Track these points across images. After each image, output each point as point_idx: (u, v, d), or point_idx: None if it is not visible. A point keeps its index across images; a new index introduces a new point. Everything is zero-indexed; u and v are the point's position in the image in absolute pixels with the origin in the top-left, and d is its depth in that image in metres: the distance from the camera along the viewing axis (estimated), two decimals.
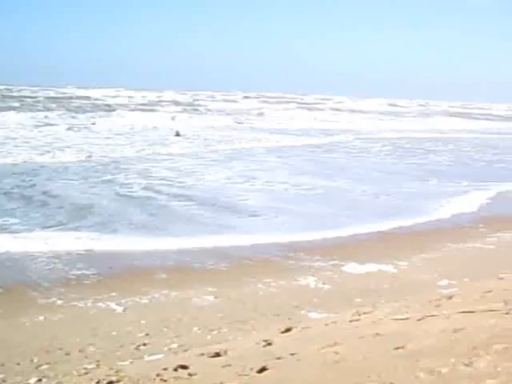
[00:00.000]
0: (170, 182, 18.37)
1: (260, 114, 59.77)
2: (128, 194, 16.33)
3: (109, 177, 18.97)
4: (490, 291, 7.38)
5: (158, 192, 16.67)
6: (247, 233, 12.39)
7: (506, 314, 5.81)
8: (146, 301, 8.62)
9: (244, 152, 27.58)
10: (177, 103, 68.30)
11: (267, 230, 12.87)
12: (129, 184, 17.73)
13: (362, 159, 27.48)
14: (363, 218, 14.15)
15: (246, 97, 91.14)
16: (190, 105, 67.47)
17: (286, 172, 21.75)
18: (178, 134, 33.15)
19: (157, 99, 73.43)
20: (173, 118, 47.06)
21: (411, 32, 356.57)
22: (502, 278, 8.66)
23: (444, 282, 9.38)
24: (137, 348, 6.93)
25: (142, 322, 7.78)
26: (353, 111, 74.89)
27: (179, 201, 15.67)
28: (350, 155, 28.60)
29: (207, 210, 14.75)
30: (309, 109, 73.03)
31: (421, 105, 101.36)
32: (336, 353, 5.00)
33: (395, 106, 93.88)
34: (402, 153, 30.41)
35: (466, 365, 4.55)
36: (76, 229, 12.23)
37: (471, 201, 16.51)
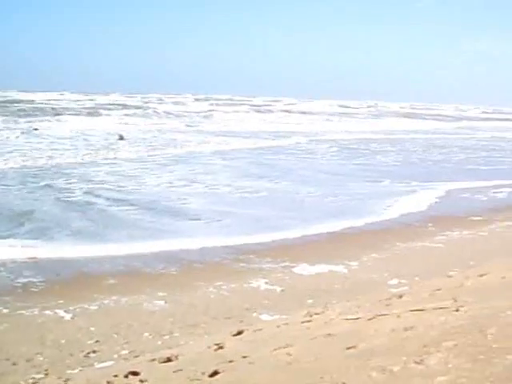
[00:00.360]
0: (111, 187, 18.04)
1: (209, 117, 59.61)
2: (68, 199, 16.03)
3: (49, 182, 18.54)
4: (439, 289, 7.50)
5: (99, 197, 16.36)
6: (190, 236, 12.32)
7: (456, 311, 5.91)
8: (95, 307, 8.50)
9: (189, 155, 27.40)
10: (125, 106, 67.56)
11: (209, 233, 12.82)
12: (69, 189, 17.34)
13: (309, 161, 27.59)
14: (310, 219, 14.23)
15: (196, 99, 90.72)
16: (138, 108, 66.77)
17: (231, 175, 21.63)
18: (121, 138, 32.72)
19: (104, 102, 72.51)
20: (119, 122, 46.49)
21: (359, 33, 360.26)
22: (450, 276, 8.83)
23: (394, 281, 9.50)
24: (86, 355, 6.82)
25: (92, 328, 7.67)
26: (303, 113, 75.28)
27: (119, 205, 15.44)
28: (297, 157, 28.65)
29: (147, 215, 14.57)
30: (259, 111, 73.26)
31: (370, 106, 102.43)
32: (288, 354, 5.01)
33: (345, 107, 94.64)
34: (349, 154, 30.72)
35: (417, 363, 4.61)
36: (16, 236, 11.96)
37: (419, 200, 16.78)
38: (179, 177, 20.49)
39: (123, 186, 18.31)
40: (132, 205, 15.59)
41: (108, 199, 16.19)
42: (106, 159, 24.95)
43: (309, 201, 17.02)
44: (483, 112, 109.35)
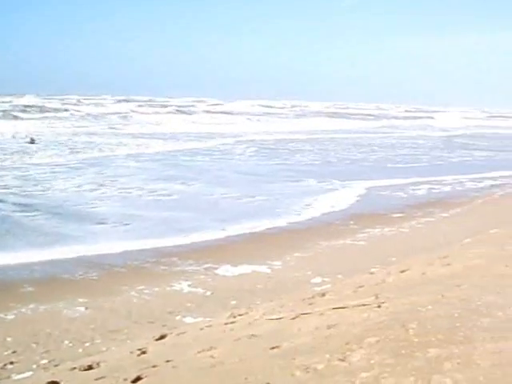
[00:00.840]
0: (16, 192, 17.46)
1: (128, 118, 58.86)
2: None
3: None
4: (361, 286, 7.63)
5: (3, 202, 15.79)
6: (95, 242, 12.03)
7: (378, 307, 6.02)
8: (12, 316, 8.25)
9: (104, 158, 26.81)
10: (42, 108, 65.85)
11: (115, 237, 12.56)
12: None
13: (226, 162, 27.52)
14: (229, 219, 14.18)
15: (116, 101, 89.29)
16: (56, 110, 65.26)
17: (145, 177, 21.24)
18: (32, 142, 31.83)
19: (18, 104, 70.47)
20: (34, 125, 45.27)
21: (284, 34, 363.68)
22: (372, 273, 9.00)
23: (317, 280, 9.61)
24: (3, 367, 6.61)
25: (8, 339, 7.44)
26: (226, 113, 75.22)
27: (24, 211, 14.92)
28: (214, 158, 28.57)
29: (53, 220, 14.13)
30: (181, 112, 72.77)
31: (294, 106, 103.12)
32: (212, 357, 4.99)
33: (269, 107, 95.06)
34: (268, 154, 30.94)
35: (340, 360, 4.66)
36: None
37: (340, 198, 17.07)
38: (90, 180, 19.93)
39: (29, 191, 17.69)
40: (37, 210, 15.07)
41: (14, 204, 15.65)
42: (14, 163, 24.13)
43: (223, 202, 16.97)
44: (406, 111, 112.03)
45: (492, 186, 20.88)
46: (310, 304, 6.87)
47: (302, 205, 16.17)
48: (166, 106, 79.67)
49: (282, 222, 13.97)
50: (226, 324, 6.58)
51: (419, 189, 19.47)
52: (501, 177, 23.30)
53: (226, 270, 10.36)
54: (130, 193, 17.93)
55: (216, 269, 10.41)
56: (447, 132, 58.67)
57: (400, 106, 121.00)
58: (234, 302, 8.63)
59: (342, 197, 17.38)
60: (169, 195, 17.60)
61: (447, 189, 19.88)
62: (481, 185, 21.04)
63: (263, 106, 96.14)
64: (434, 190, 19.38)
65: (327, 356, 4.72)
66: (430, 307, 5.81)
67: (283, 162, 27.71)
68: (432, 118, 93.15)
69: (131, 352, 5.74)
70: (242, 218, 14.24)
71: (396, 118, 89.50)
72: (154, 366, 4.93)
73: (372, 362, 4.59)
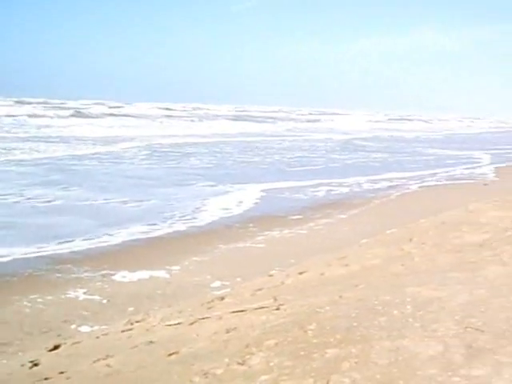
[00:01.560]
0: None
1: (20, 121, 56.89)
2: None
3: None
4: (260, 289, 7.69)
5: None
6: None
7: (276, 309, 6.09)
8: None
9: None
10: None
11: None
12: None
13: (116, 166, 26.71)
14: (111, 225, 13.88)
15: (10, 102, 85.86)
16: None
17: (25, 183, 19.96)
18: None
19: None
20: None
21: (179, 38, 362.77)
22: (271, 275, 9.09)
23: (217, 284, 9.62)
24: None
25: None
26: (125, 116, 73.35)
27: None
28: (103, 162, 27.67)
29: None
30: (78, 114, 70.56)
31: (196, 108, 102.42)
32: (108, 366, 4.91)
33: (169, 109, 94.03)
34: (162, 157, 30.53)
35: (239, 364, 4.68)
36: None
37: (238, 201, 17.13)
38: None
39: None
40: None
41: None
42: None
43: (107, 207, 16.51)
44: (309, 113, 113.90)
45: (389, 187, 21.50)
46: (209, 308, 6.87)
47: (195, 208, 16.09)
48: (62, 109, 77.44)
49: (180, 227, 13.89)
50: (122, 331, 6.49)
51: (318, 191, 19.82)
52: (397, 178, 24.05)
53: (123, 276, 10.19)
54: (5, 199, 16.95)
55: (113, 275, 10.23)
56: (348, 135, 60.04)
57: (302, 109, 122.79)
58: (131, 309, 8.51)
59: (240, 200, 17.45)
60: (49, 201, 16.84)
61: (345, 190, 20.32)
62: (378, 186, 21.63)
63: (163, 108, 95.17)
64: (332, 192, 19.77)
65: (226, 360, 4.73)
66: (328, 308, 5.92)
67: (177, 165, 27.43)
68: (333, 120, 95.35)
69: (22, 365, 5.57)
70: (127, 223, 13.99)
71: (300, 120, 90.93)
72: (46, 379, 4.81)
73: (271, 364, 4.63)
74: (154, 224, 14.00)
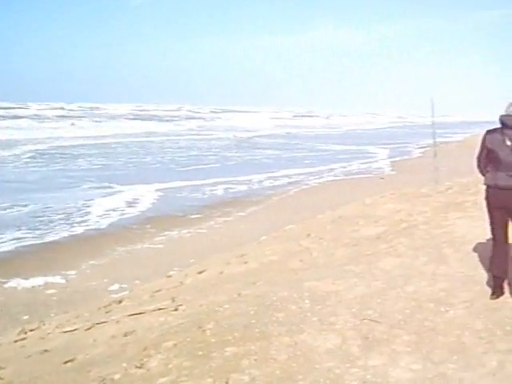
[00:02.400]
0: None
1: None
2: None
3: None
4: (159, 290, 7.66)
5: None
6: None
7: (175, 310, 6.08)
8: None
9: None
10: None
11: None
12: None
13: None
14: (9, 230, 13.42)
15: None
16: None
17: None
18: None
19: None
20: None
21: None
22: (170, 276, 9.07)
23: (115, 287, 9.49)
24: None
25: None
26: (12, 118, 70.82)
27: None
28: None
29: None
30: None
31: (93, 108, 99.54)
32: (0, 378, 4.77)
33: (62, 109, 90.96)
34: (47, 160, 29.51)
35: (137, 367, 4.66)
36: None
37: (131, 202, 16.94)
38: None
39: None
40: None
41: None
42: None
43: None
44: (212, 111, 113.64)
45: (287, 183, 21.77)
46: (107, 312, 6.79)
47: (82, 211, 15.77)
48: None
49: (76, 230, 13.62)
50: (16, 341, 6.31)
51: (216, 189, 19.85)
52: (295, 174, 24.38)
53: (16, 283, 9.90)
54: None
55: (5, 283, 9.91)
56: (250, 132, 60.39)
57: (203, 108, 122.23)
58: (26, 317, 8.28)
59: (133, 200, 17.28)
60: None
61: (244, 188, 20.44)
62: (276, 183, 21.86)
63: (57, 108, 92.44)
64: (231, 190, 19.84)
65: (124, 365, 4.70)
66: (226, 306, 5.97)
67: (63, 167, 26.73)
68: (236, 118, 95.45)
69: None
70: (13, 229, 13.54)
71: (201, 119, 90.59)
72: None
73: (170, 366, 4.63)
74: (43, 228, 13.63)
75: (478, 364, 4.68)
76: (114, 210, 15.87)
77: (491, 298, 6.04)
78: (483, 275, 6.89)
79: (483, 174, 6.23)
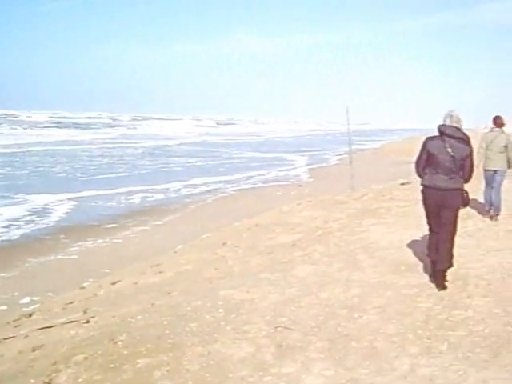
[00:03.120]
0: None
1: None
2: None
3: None
4: (71, 302, 7.53)
5: None
6: None
7: (86, 322, 5.99)
8: None
9: None
10: None
11: None
12: None
13: None
14: None
15: None
16: None
17: None
18: None
19: None
20: None
21: None
22: (83, 288, 8.91)
23: (26, 300, 9.24)
24: None
25: None
26: None
27: None
28: None
29: None
30: None
31: (7, 115, 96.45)
32: None
33: None
34: None
35: (46, 383, 4.56)
36: None
37: (47, 211, 16.59)
38: None
39: None
40: None
41: None
42: None
43: None
44: (134, 119, 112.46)
45: (205, 191, 21.73)
46: (16, 327, 6.63)
47: None
48: None
49: None
50: None
51: (132, 198, 19.62)
52: (213, 182, 24.38)
53: None
54: None
55: None
56: (169, 140, 60.08)
57: (122, 115, 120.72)
58: None
59: (50, 209, 16.93)
60: None
61: (161, 196, 20.28)
62: (194, 191, 21.78)
63: None
64: (148, 199, 19.65)
65: (32, 381, 4.61)
66: (139, 317, 5.92)
67: None
68: (160, 126, 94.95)
69: None
70: None
71: (121, 126, 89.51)
72: None
73: (79, 380, 4.56)
74: None
75: (389, 368, 4.80)
76: (21, 220, 15.46)
77: (430, 281, 6.99)
78: (396, 281, 7.07)
79: (421, 176, 7.05)
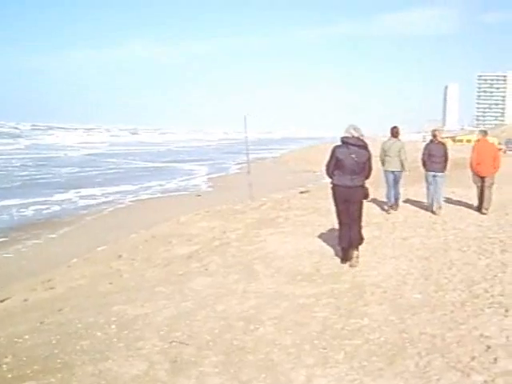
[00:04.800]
0: None
1: None
2: None
3: None
4: None
5: None
6: None
7: None
8: None
9: None
10: None
11: None
12: None
13: None
14: None
15: None
16: None
17: None
18: None
19: None
20: None
21: None
22: None
23: None
24: None
25: None
26: None
27: None
28: None
29: None
30: None
31: None
32: None
33: None
34: None
35: None
36: None
37: None
38: None
39: None
40: None
41: None
42: None
43: None
44: (33, 128, 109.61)
45: (102, 202, 21.32)
46: None
47: None
48: None
49: None
50: None
51: (24, 210, 19.02)
52: (110, 193, 23.98)
53: None
54: None
55: None
56: (61, 151, 58.80)
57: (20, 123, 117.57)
58: None
59: None
60: None
61: (56, 208, 19.74)
62: (90, 202, 21.34)
63: None
64: (42, 211, 19.08)
65: None
66: (27, 337, 5.69)
67: None
68: (51, 135, 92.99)
69: None
70: None
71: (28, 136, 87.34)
72: None
73: None
74: None
75: (286, 380, 4.78)
76: None
77: (342, 263, 8.57)
78: (292, 290, 7.10)
79: (331, 177, 8.66)
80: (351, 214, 8.63)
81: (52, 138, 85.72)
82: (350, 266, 8.38)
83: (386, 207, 13.29)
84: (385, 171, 13.46)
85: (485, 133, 14.33)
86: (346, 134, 8.62)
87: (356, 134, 8.59)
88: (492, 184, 13.17)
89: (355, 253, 8.58)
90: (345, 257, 8.67)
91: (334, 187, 8.65)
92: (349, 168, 8.49)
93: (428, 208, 13.14)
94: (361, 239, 8.74)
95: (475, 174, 13.34)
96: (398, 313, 6.23)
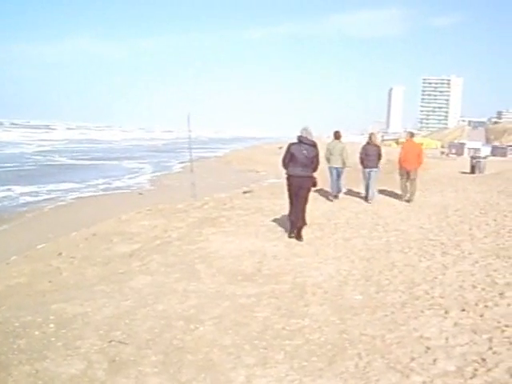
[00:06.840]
0: None
1: None
2: None
3: None
4: None
5: None
6: None
7: None
8: None
9: None
10: None
11: None
12: None
13: None
14: None
15: None
16: None
17: None
18: None
19: None
20: None
21: None
22: None
23: None
24: None
25: None
26: None
27: None
28: None
29: None
30: None
31: None
32: None
33: None
34: None
35: None
36: None
37: None
38: None
39: None
40: None
41: None
42: None
43: None
44: None
45: (42, 199, 20.93)
46: None
47: None
48: None
49: None
50: None
51: None
52: (52, 190, 23.56)
53: None
54: None
55: None
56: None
57: None
58: None
59: None
60: None
61: None
62: (30, 199, 20.91)
63: None
64: None
65: None
66: None
67: None
68: None
69: None
70: None
71: None
72: None
73: None
74: None
75: (225, 380, 4.79)
76: None
77: (289, 237, 10.47)
78: (233, 290, 7.11)
79: (286, 168, 10.53)
80: (300, 198, 10.54)
81: None
82: (296, 239, 10.33)
83: (330, 197, 16.20)
84: (329, 167, 16.45)
85: (411, 134, 18.31)
86: (301, 134, 10.57)
87: (307, 135, 10.53)
88: (415, 178, 16.38)
89: (299, 231, 10.43)
90: (292, 229, 10.59)
91: (289, 177, 10.57)
92: (300, 161, 10.41)
93: (364, 198, 16.18)
94: (304, 222, 10.55)
95: (402, 168, 16.56)
96: (338, 313, 6.30)
